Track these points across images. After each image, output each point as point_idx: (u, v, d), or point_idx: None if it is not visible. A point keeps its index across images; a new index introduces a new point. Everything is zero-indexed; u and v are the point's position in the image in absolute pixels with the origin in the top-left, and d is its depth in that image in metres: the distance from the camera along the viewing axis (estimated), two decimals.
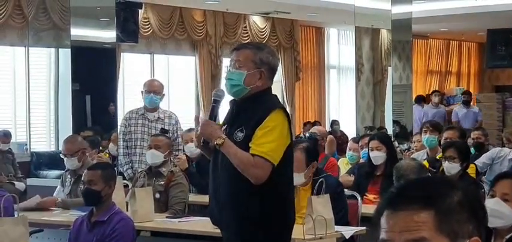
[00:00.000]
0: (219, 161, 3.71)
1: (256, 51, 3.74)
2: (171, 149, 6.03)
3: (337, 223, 4.75)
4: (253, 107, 3.67)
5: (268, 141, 3.58)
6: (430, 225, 1.50)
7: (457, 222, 1.52)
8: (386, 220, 1.54)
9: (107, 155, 8.42)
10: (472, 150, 7.52)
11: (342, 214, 5.03)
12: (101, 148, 8.28)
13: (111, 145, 8.88)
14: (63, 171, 6.29)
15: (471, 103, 14.73)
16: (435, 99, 14.69)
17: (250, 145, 3.59)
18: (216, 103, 3.78)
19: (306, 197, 4.76)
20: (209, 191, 3.86)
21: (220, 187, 3.72)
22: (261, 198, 3.61)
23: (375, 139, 6.25)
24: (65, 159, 6.01)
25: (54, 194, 6.09)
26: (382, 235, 1.55)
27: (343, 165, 7.54)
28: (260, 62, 3.70)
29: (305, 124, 15.29)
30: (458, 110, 14.20)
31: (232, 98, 3.79)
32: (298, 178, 4.78)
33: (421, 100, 15.25)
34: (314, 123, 15.31)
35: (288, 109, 15.33)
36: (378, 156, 6.11)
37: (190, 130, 6.81)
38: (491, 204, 3.78)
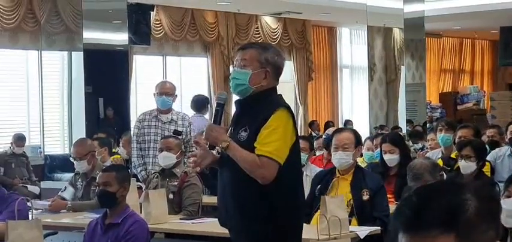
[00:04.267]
0: (225, 164, 3.70)
1: (262, 50, 3.73)
2: (183, 150, 6.03)
3: (376, 222, 4.78)
4: (257, 106, 3.66)
5: (273, 141, 3.57)
6: None
7: (478, 234, 1.46)
8: None
9: (119, 156, 8.43)
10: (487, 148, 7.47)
11: (383, 215, 4.97)
12: (112, 150, 8.28)
13: (121, 149, 8.89)
14: None
15: None
16: None
17: (255, 145, 3.58)
18: (219, 106, 3.79)
19: (345, 187, 4.99)
20: (218, 193, 3.86)
21: (226, 189, 3.72)
22: (267, 198, 3.60)
23: (386, 142, 6.19)
24: (75, 162, 6.07)
25: (62, 195, 6.10)
26: None
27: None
28: (265, 62, 3.69)
29: (311, 123, 15.21)
30: None
31: (237, 99, 3.79)
32: None
33: None
34: (312, 122, 15.27)
35: (300, 109, 15.35)
36: (391, 159, 6.09)
37: (202, 132, 6.79)
38: (508, 204, 3.75)
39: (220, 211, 3.85)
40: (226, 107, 3.91)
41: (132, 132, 7.33)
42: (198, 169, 6.40)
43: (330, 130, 8.93)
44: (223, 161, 3.71)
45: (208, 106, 10.10)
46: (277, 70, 3.74)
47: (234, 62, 3.80)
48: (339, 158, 5.09)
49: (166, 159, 5.86)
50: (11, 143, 10.20)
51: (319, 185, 5.15)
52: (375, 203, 5.00)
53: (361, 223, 4.95)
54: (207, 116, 9.55)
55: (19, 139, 10.23)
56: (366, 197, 5.00)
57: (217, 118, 3.73)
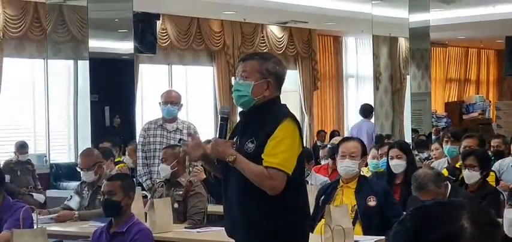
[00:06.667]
0: (230, 176, 3.71)
1: (263, 61, 3.73)
2: (179, 159, 6.02)
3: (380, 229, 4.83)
4: (262, 117, 3.66)
5: (280, 151, 3.57)
6: None
7: None
8: None
9: (124, 165, 8.44)
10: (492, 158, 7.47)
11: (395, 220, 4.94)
12: (116, 159, 8.28)
13: (127, 157, 8.91)
14: None
15: None
16: None
17: (262, 157, 3.58)
18: (223, 121, 3.79)
19: (350, 194, 5.02)
20: (223, 204, 3.86)
21: (232, 200, 3.72)
22: (274, 209, 3.60)
23: (394, 148, 6.21)
24: (81, 173, 6.07)
25: (68, 203, 6.11)
26: None
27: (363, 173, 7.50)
28: (267, 72, 3.69)
29: (319, 132, 15.22)
30: None
31: (241, 110, 3.80)
32: None
33: None
34: (319, 131, 15.27)
35: (306, 118, 15.34)
36: (398, 165, 6.09)
37: (208, 141, 6.79)
38: (511, 214, 3.75)
39: (227, 223, 3.85)
40: (231, 117, 3.92)
41: (137, 141, 7.34)
42: (203, 176, 6.48)
43: (336, 140, 8.93)
44: (227, 171, 3.71)
45: (373, 112, 12.37)
46: (279, 80, 3.74)
47: (236, 74, 3.80)
48: (346, 166, 5.10)
49: (162, 170, 5.91)
50: (15, 151, 10.23)
51: (322, 197, 5.16)
52: (386, 208, 5.00)
53: (366, 229, 4.96)
54: (372, 120, 12.34)
55: (21, 147, 10.24)
56: (372, 203, 5.00)
57: (222, 132, 3.73)
